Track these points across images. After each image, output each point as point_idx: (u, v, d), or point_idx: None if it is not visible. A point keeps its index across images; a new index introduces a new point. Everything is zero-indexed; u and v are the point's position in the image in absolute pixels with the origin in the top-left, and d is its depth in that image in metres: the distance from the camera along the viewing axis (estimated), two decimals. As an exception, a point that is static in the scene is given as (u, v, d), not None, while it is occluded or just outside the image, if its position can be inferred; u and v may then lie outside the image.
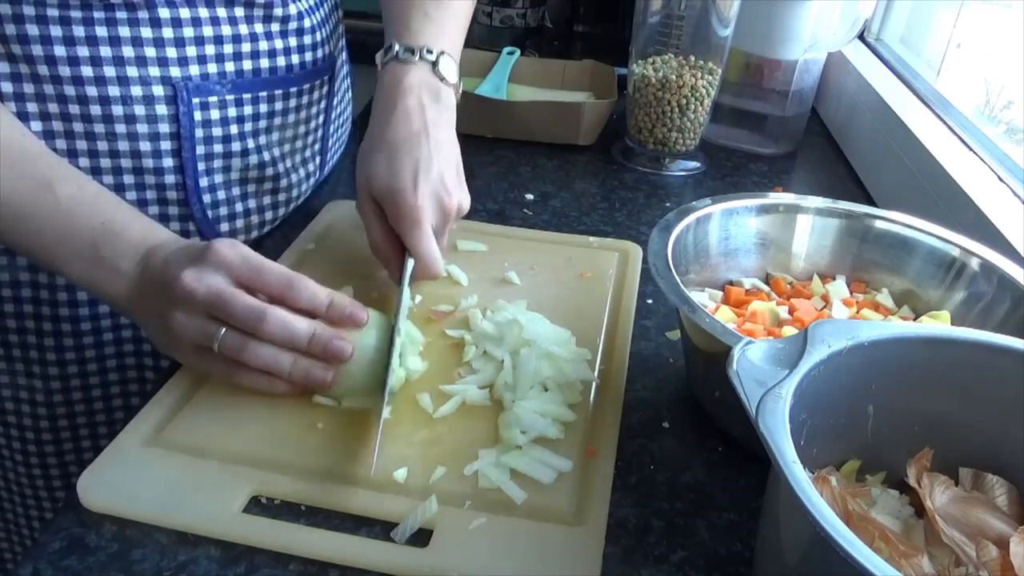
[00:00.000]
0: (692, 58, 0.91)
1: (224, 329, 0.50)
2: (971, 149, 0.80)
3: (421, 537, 0.44)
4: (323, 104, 0.75)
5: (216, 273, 0.50)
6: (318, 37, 0.70)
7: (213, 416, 0.51)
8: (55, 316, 0.64)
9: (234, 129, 0.66)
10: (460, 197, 0.61)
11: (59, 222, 0.52)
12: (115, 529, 0.44)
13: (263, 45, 0.65)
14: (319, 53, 0.71)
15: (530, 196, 0.86)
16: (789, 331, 0.55)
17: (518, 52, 1.14)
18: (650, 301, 0.68)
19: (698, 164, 0.97)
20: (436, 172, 0.59)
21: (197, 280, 0.50)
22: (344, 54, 0.81)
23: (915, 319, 0.58)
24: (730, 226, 0.61)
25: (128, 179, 0.62)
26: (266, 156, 0.69)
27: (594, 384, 0.56)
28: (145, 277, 0.52)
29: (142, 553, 0.43)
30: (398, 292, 0.57)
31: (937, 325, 0.54)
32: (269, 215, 0.72)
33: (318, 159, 0.77)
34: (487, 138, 0.98)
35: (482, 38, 1.38)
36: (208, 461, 0.48)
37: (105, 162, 0.61)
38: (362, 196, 0.60)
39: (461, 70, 0.67)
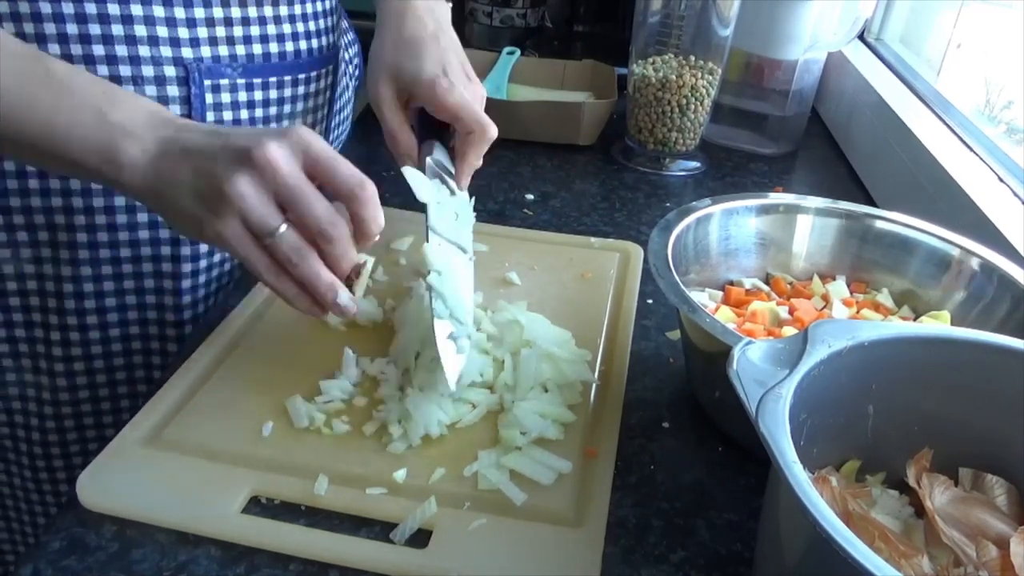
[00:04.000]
0: (692, 58, 0.91)
1: (285, 225, 0.47)
2: (971, 149, 0.80)
3: (420, 538, 0.44)
4: (328, 95, 0.75)
5: (295, 158, 0.47)
6: (322, 25, 0.71)
7: (213, 416, 0.51)
8: (61, 309, 0.64)
9: (244, 114, 0.66)
10: (478, 86, 0.66)
11: (55, 88, 0.47)
12: (115, 529, 0.44)
13: (271, 29, 0.66)
14: (324, 41, 0.72)
15: (530, 196, 0.86)
16: (789, 331, 0.55)
17: (518, 52, 1.14)
18: (650, 301, 0.68)
19: (698, 164, 0.97)
20: (456, 65, 0.64)
21: (283, 157, 0.46)
22: (354, 48, 0.82)
23: (915, 319, 0.58)
24: (730, 226, 0.61)
25: None
26: None
27: (594, 385, 0.56)
28: (175, 142, 0.48)
29: (142, 553, 0.43)
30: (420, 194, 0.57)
31: (937, 325, 0.54)
32: None
33: None
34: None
35: (482, 38, 1.38)
36: (208, 461, 0.48)
37: None
38: (381, 91, 0.63)
39: None
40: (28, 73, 0.47)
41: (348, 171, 0.48)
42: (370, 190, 0.49)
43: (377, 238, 0.50)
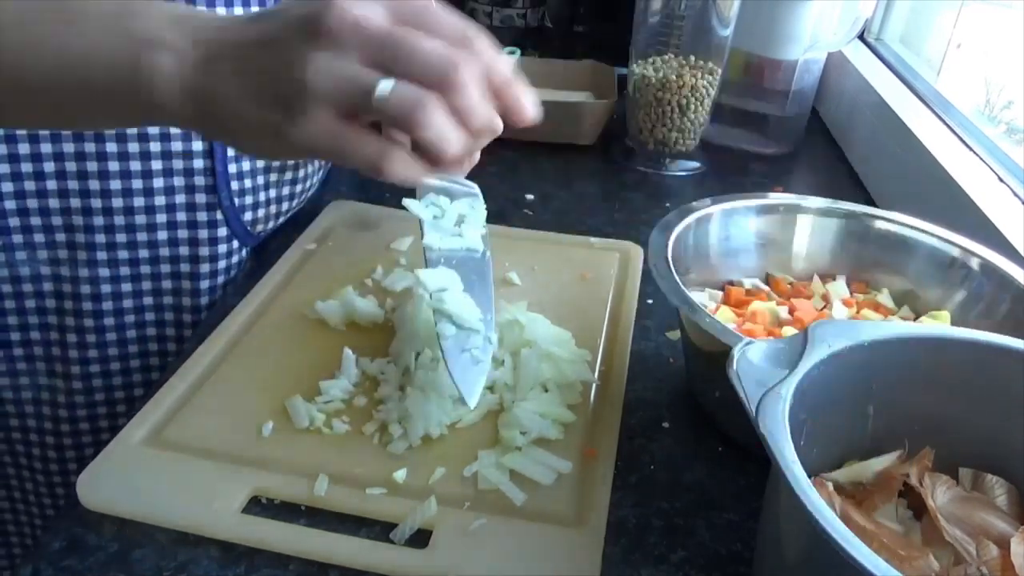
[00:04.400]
0: (692, 58, 0.91)
1: (391, 81, 0.37)
2: (971, 149, 0.80)
3: (420, 538, 0.44)
4: None
5: (382, 8, 0.38)
6: None
7: (213, 416, 0.51)
8: (77, 311, 0.64)
9: None
10: None
11: (66, 14, 0.41)
12: (115, 529, 0.44)
13: None
14: None
15: (530, 196, 0.86)
16: (789, 331, 0.55)
17: (518, 52, 1.14)
18: (650, 301, 0.68)
19: (698, 164, 0.97)
20: None
21: (361, 9, 0.37)
22: None
23: (915, 319, 0.58)
24: (730, 226, 0.61)
25: (156, 164, 0.61)
26: None
27: (594, 385, 0.56)
28: (218, 43, 0.40)
29: (142, 553, 0.43)
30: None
31: (937, 325, 0.54)
32: (285, 206, 0.72)
33: None
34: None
35: (482, 38, 1.38)
36: (208, 461, 0.48)
37: (133, 146, 0.60)
38: None
39: None
40: (40, 10, 0.42)
41: (450, 23, 0.39)
42: (480, 40, 0.39)
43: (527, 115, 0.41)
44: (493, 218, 0.81)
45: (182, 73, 0.40)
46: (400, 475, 0.47)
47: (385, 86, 0.36)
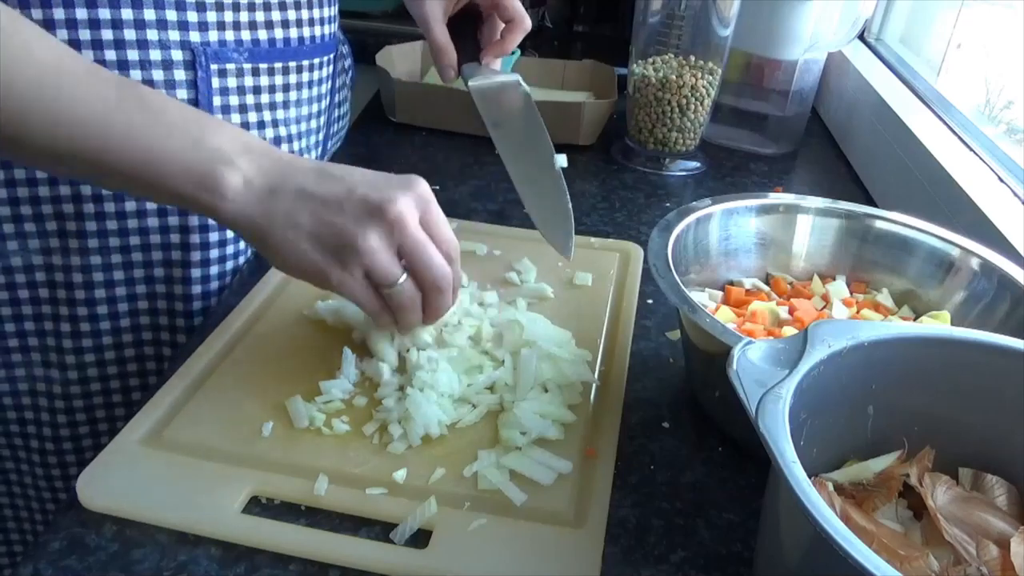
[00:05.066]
0: (692, 58, 0.91)
1: (405, 276, 0.50)
2: (971, 149, 0.80)
3: (420, 538, 0.44)
4: (329, 84, 0.75)
5: (418, 212, 0.50)
6: (325, 13, 0.72)
7: (213, 416, 0.51)
8: (71, 300, 0.64)
9: (250, 99, 0.66)
10: None
11: (149, 114, 0.47)
12: (115, 529, 0.44)
13: (276, 15, 0.66)
14: (326, 29, 0.72)
15: (530, 196, 0.86)
16: (789, 331, 0.55)
17: (518, 52, 1.14)
18: (650, 301, 0.68)
19: (698, 164, 0.97)
20: None
21: (411, 213, 0.49)
22: (347, 47, 0.82)
23: (915, 319, 0.58)
24: (730, 226, 0.61)
25: None
26: (281, 131, 0.69)
27: (594, 385, 0.56)
28: (287, 180, 0.49)
29: (142, 553, 0.43)
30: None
31: (937, 325, 0.54)
32: None
33: (320, 148, 0.78)
34: (488, 138, 0.98)
35: (482, 38, 1.38)
36: (208, 461, 0.48)
37: None
38: (431, 6, 0.68)
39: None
40: (120, 99, 0.46)
41: (449, 233, 0.52)
42: (457, 259, 0.53)
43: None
44: (493, 218, 0.81)
45: (250, 197, 0.48)
46: (400, 475, 0.47)
47: (401, 280, 0.50)
